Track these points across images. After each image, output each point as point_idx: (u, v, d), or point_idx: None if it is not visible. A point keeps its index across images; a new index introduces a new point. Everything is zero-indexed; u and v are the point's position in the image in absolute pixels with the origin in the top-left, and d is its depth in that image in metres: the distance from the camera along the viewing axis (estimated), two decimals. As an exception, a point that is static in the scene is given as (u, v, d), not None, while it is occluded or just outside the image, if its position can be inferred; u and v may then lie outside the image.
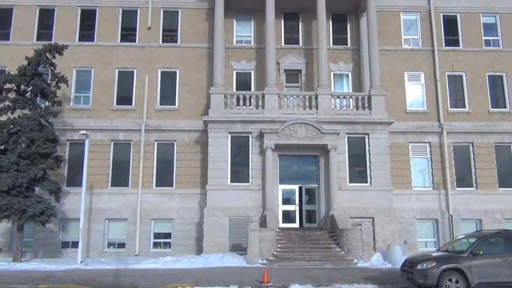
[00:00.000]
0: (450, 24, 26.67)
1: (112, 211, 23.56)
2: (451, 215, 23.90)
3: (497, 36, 26.70)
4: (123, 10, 26.06)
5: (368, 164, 23.08)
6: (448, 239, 22.90)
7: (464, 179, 24.80)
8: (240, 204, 22.18)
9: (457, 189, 24.50)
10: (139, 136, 24.22)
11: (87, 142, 21.24)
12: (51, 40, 24.25)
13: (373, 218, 22.10)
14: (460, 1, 26.70)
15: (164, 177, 24.21)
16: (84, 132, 21.01)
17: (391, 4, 26.46)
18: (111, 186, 23.98)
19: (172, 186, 24.10)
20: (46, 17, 25.82)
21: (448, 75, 25.94)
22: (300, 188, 23.23)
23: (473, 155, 25.01)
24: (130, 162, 24.19)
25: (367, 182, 22.91)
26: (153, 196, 23.81)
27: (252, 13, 26.34)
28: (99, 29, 25.76)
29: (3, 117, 21.28)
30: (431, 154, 24.92)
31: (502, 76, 26.10)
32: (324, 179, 22.85)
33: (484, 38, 26.59)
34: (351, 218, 22.10)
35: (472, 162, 24.99)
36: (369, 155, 23.11)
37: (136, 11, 26.03)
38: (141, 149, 24.06)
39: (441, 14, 26.63)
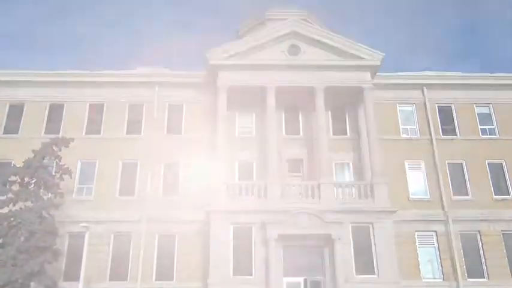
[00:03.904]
0: (446, 114, 27.37)
1: (109, 308, 22.52)
2: (466, 310, 22.73)
3: (493, 125, 27.28)
4: (130, 105, 27.10)
5: (374, 254, 22.43)
6: (464, 335, 21.56)
7: (474, 269, 23.87)
8: (242, 299, 21.26)
9: (468, 279, 23.52)
10: (141, 228, 23.89)
11: (87, 235, 20.87)
12: (59, 133, 24.94)
13: (383, 313, 21.06)
14: (452, 92, 27.57)
15: (164, 270, 23.46)
16: (84, 224, 20.74)
17: (387, 96, 27.25)
18: (110, 280, 23.19)
19: (172, 279, 23.26)
20: (56, 112, 26.77)
21: (448, 164, 26.10)
22: (305, 281, 22.33)
23: (481, 243, 24.37)
24: (130, 255, 23.59)
25: (374, 274, 22.10)
26: (153, 291, 22.89)
27: (253, 106, 27.16)
28: (106, 123, 26.60)
29: (5, 209, 21.17)
30: (438, 243, 24.30)
31: (501, 163, 26.28)
32: (329, 270, 22.09)
33: (480, 127, 27.14)
34: (359, 313, 21.05)
35: (481, 251, 24.26)
36: (375, 245, 22.54)
37: (143, 105, 27.05)
38: (141, 241, 23.59)
39: (436, 105, 27.47)
